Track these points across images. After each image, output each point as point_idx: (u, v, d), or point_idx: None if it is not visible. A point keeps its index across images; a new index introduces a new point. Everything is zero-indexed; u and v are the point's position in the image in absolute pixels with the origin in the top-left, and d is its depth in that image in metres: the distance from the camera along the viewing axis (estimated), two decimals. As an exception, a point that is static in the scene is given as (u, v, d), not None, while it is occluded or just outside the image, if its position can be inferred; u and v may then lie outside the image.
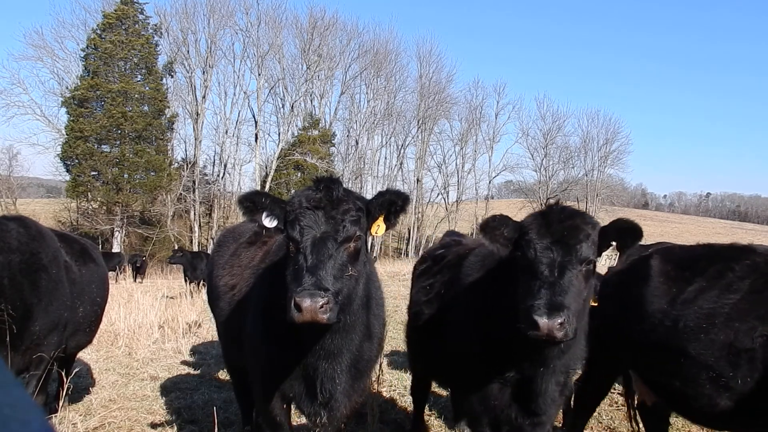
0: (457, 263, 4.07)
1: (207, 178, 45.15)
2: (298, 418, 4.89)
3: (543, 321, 2.68)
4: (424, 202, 52.93)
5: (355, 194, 3.12)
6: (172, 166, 40.45)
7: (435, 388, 6.94)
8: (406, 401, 6.31)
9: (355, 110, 49.48)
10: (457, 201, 54.23)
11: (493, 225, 3.12)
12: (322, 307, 2.61)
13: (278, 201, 3.09)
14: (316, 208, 2.89)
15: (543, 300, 2.75)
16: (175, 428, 5.40)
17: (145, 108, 37.94)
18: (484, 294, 3.52)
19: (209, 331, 9.91)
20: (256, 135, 44.62)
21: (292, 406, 3.70)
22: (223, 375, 7.23)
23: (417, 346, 4.70)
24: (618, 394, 6.70)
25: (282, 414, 3.61)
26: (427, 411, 6.09)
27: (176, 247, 24.63)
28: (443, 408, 6.16)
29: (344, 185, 3.10)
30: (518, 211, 55.28)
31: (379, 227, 3.12)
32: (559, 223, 2.99)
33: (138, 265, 26.00)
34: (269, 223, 3.07)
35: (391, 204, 3.08)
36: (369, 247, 3.33)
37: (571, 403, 4.99)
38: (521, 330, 2.81)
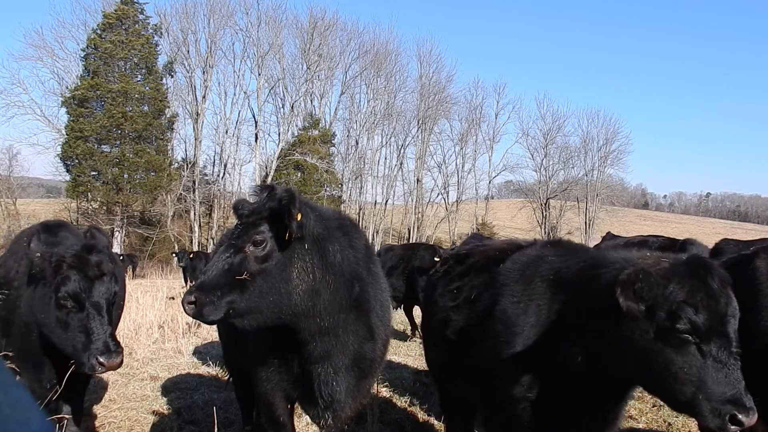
0: (488, 267, 3.70)
1: (207, 178, 45.14)
2: (298, 418, 4.89)
3: (747, 420, 2.45)
4: (424, 202, 52.92)
5: (278, 202, 3.04)
6: (172, 166, 40.43)
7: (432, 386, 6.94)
8: (406, 401, 6.32)
9: (355, 110, 49.51)
10: (457, 201, 54.21)
11: (639, 285, 2.55)
12: (190, 304, 2.90)
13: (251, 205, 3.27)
14: (239, 217, 3.15)
15: (739, 394, 2.46)
16: (175, 428, 5.41)
17: (145, 108, 37.91)
18: (531, 314, 3.09)
19: (209, 331, 9.91)
20: (256, 135, 44.62)
21: (295, 405, 3.72)
22: (223, 375, 7.23)
23: (443, 356, 4.13)
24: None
25: (285, 414, 3.63)
26: (426, 411, 6.10)
27: (177, 249, 24.44)
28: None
29: (276, 191, 3.08)
30: (518, 211, 55.43)
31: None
32: (725, 296, 2.56)
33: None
34: None
35: (279, 203, 3.03)
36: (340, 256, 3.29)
37: None
38: (707, 422, 2.49)
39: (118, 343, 3.62)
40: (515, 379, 3.08)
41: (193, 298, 2.89)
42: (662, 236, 8.46)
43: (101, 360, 3.44)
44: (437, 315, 4.03)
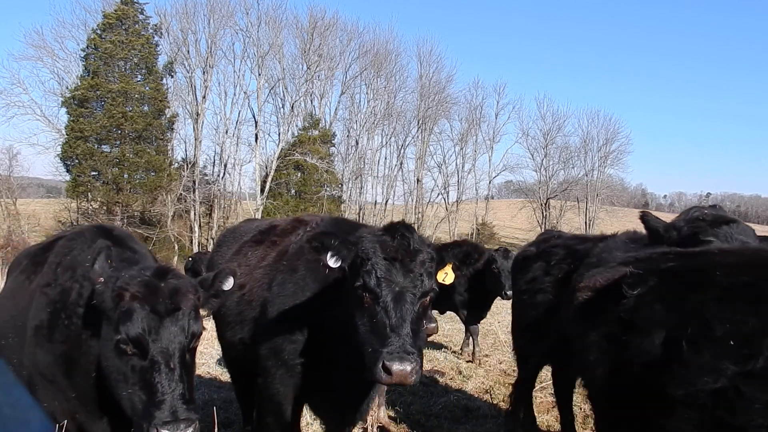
0: None
1: (207, 178, 45.09)
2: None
3: None
4: (424, 202, 52.92)
5: (427, 241, 3.11)
6: (172, 166, 40.39)
7: (430, 387, 6.94)
8: (407, 401, 6.32)
9: (355, 110, 49.49)
10: (457, 201, 54.19)
11: None
12: (411, 371, 2.65)
13: (346, 243, 3.06)
14: (393, 260, 2.87)
15: None
16: (175, 428, 5.40)
17: (145, 108, 37.90)
18: None
19: (209, 331, 9.89)
20: (256, 135, 44.59)
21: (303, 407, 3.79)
22: (223, 375, 7.23)
23: None
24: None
25: (294, 416, 3.73)
26: (427, 411, 6.10)
27: (192, 254, 24.16)
28: (443, 408, 6.17)
29: (415, 231, 3.09)
30: (518, 211, 55.35)
31: (447, 275, 3.10)
32: None
33: None
34: (334, 263, 3.04)
35: (468, 256, 3.13)
36: None
37: None
38: None
39: (192, 405, 2.67)
40: None
41: (415, 364, 2.68)
42: None
43: None
44: (692, 386, 2.30)
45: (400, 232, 2.95)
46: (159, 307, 2.69)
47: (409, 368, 2.64)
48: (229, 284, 3.07)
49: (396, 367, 2.62)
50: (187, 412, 2.57)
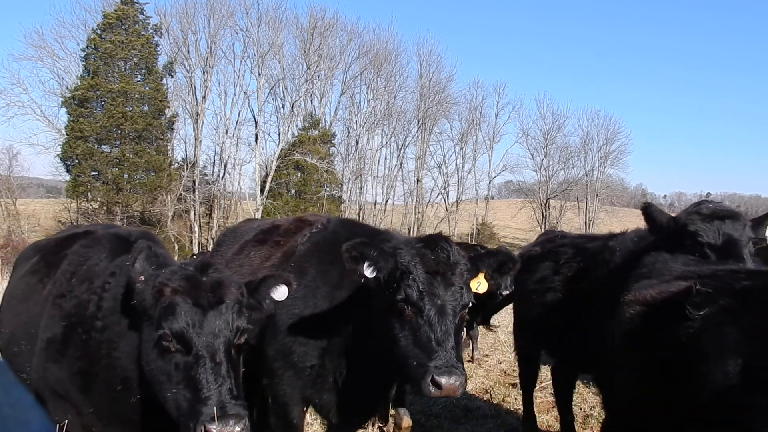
0: None
1: (207, 178, 45.11)
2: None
3: None
4: (424, 202, 52.94)
5: (461, 252, 3.13)
6: (172, 166, 40.41)
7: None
8: (407, 401, 6.32)
9: (355, 110, 49.52)
10: (457, 201, 54.23)
11: None
12: (459, 384, 2.71)
13: (385, 254, 3.06)
14: (435, 273, 2.91)
15: None
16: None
17: (145, 108, 37.92)
18: None
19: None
20: (256, 135, 44.61)
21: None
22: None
23: None
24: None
25: (299, 417, 3.74)
26: (426, 411, 6.10)
27: (196, 251, 24.29)
28: (443, 408, 6.17)
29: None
30: (518, 211, 55.38)
31: (480, 284, 3.13)
32: None
33: None
34: (370, 273, 3.06)
35: (503, 265, 3.18)
36: None
37: None
38: None
39: (241, 401, 2.58)
40: None
41: (463, 378, 2.74)
42: None
43: (211, 429, 2.35)
44: None
45: (439, 244, 3.00)
46: (202, 301, 2.56)
47: (457, 382, 2.70)
48: (281, 293, 2.86)
49: (445, 380, 2.68)
50: (236, 407, 2.44)
